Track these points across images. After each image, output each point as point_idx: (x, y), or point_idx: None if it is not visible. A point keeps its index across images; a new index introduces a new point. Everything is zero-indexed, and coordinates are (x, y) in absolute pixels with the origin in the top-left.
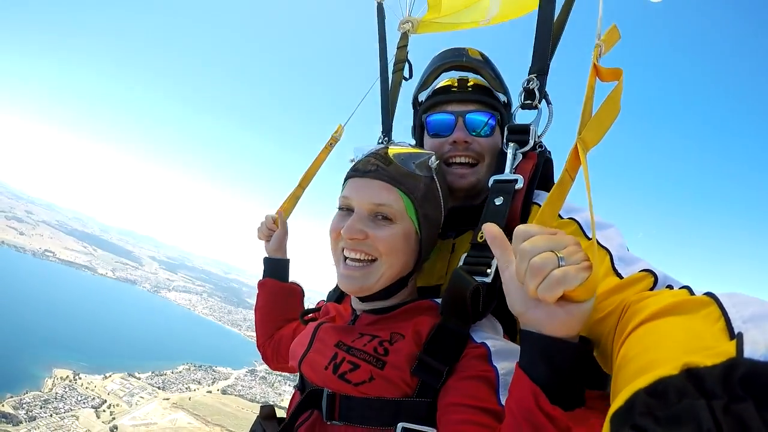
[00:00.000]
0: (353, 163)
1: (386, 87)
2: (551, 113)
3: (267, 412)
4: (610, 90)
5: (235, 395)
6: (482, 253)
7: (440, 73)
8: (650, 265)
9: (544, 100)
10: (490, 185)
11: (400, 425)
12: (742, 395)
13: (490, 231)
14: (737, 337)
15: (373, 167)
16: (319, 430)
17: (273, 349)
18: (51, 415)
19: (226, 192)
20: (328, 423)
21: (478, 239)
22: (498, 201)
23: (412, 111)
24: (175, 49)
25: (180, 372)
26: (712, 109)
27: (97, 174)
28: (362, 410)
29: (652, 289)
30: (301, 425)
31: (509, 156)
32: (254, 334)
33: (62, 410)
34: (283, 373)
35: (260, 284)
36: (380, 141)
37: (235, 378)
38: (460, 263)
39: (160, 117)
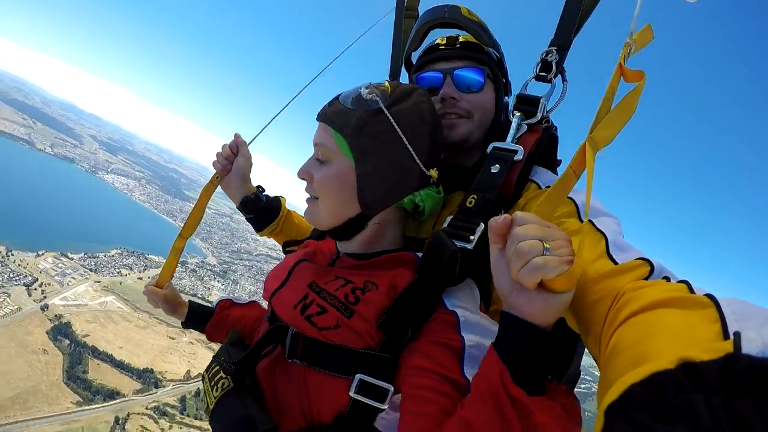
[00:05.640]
0: None
1: (399, 31)
2: (565, 90)
3: (235, 338)
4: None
5: None
6: (468, 218)
7: (425, 32)
8: (643, 254)
9: (560, 75)
10: (488, 151)
11: (357, 376)
12: (741, 391)
13: (495, 219)
14: (735, 336)
15: (320, 111)
16: (280, 366)
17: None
18: None
19: (180, 76)
20: (289, 360)
21: (467, 204)
22: (494, 169)
23: (406, 72)
24: None
25: (112, 256)
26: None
27: (40, 39)
28: (323, 355)
29: (647, 278)
30: (265, 356)
31: (513, 125)
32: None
33: None
34: (214, 269)
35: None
36: None
37: None
38: (445, 224)
39: None
